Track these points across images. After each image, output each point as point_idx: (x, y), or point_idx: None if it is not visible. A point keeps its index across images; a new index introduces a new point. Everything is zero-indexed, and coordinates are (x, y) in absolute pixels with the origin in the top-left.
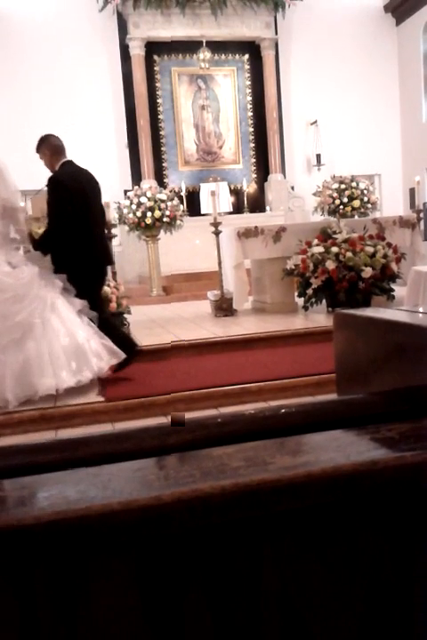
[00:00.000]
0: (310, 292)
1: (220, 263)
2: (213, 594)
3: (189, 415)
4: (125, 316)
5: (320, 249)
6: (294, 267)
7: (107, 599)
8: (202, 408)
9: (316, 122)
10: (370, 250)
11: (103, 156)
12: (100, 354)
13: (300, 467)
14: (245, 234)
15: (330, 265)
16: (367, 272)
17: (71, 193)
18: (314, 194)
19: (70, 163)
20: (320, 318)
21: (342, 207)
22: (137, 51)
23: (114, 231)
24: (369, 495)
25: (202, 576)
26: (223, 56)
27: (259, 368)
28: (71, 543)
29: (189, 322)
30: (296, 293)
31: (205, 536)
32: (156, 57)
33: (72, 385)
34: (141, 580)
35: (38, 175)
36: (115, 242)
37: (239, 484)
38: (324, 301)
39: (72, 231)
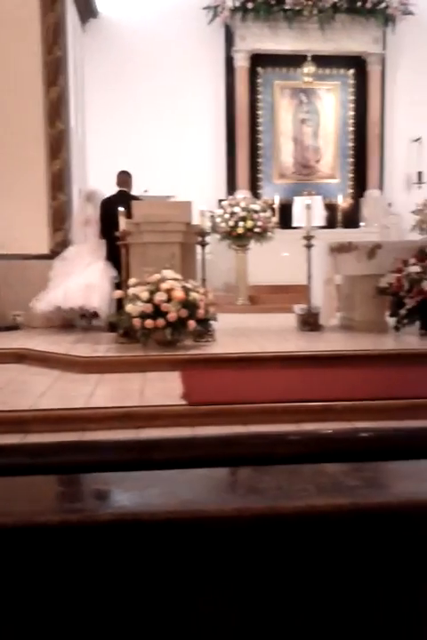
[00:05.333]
0: (403, 312)
1: (309, 277)
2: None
3: (269, 428)
4: (211, 322)
5: (417, 269)
6: (387, 285)
7: (212, 611)
8: (283, 422)
9: (420, 139)
10: None
11: (200, 166)
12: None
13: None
14: (338, 249)
15: (426, 286)
16: None
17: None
18: (413, 212)
19: (121, 192)
20: (412, 340)
21: None
22: (241, 63)
23: (206, 239)
24: None
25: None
26: (328, 70)
27: (345, 387)
28: (180, 545)
29: (274, 333)
30: (388, 313)
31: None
32: (259, 69)
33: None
34: (246, 592)
35: (137, 181)
36: (206, 250)
37: (358, 505)
38: (417, 323)
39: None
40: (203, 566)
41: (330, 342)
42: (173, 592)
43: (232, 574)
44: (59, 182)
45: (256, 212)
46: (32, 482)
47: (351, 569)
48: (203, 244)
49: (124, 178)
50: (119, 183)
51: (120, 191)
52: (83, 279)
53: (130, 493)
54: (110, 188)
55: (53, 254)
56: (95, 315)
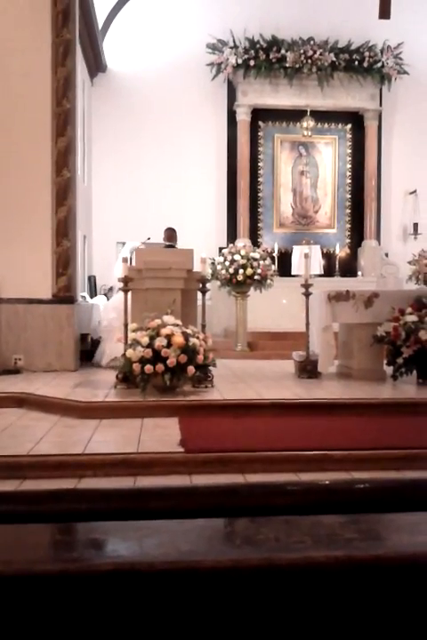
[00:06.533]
0: (400, 361)
1: (307, 324)
2: None
3: (266, 477)
4: (210, 368)
5: (414, 318)
6: (384, 334)
7: None
8: (280, 471)
9: (415, 191)
10: None
11: (202, 214)
12: None
13: (420, 546)
14: (336, 297)
15: (423, 335)
16: None
17: None
18: (409, 262)
19: (168, 246)
20: (410, 389)
21: None
22: (243, 117)
23: (207, 286)
24: None
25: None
26: (326, 125)
27: (342, 436)
28: (177, 596)
29: (272, 380)
30: (385, 361)
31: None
32: (260, 123)
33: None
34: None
35: (139, 229)
36: (206, 296)
37: (354, 558)
38: (414, 372)
39: None
40: (199, 617)
41: (328, 390)
42: None
43: (228, 626)
44: (64, 228)
45: (256, 259)
46: (29, 530)
47: (347, 621)
48: (203, 291)
49: (170, 234)
50: (166, 238)
51: (167, 245)
52: None
53: (128, 543)
54: (115, 234)
55: (56, 299)
56: None
